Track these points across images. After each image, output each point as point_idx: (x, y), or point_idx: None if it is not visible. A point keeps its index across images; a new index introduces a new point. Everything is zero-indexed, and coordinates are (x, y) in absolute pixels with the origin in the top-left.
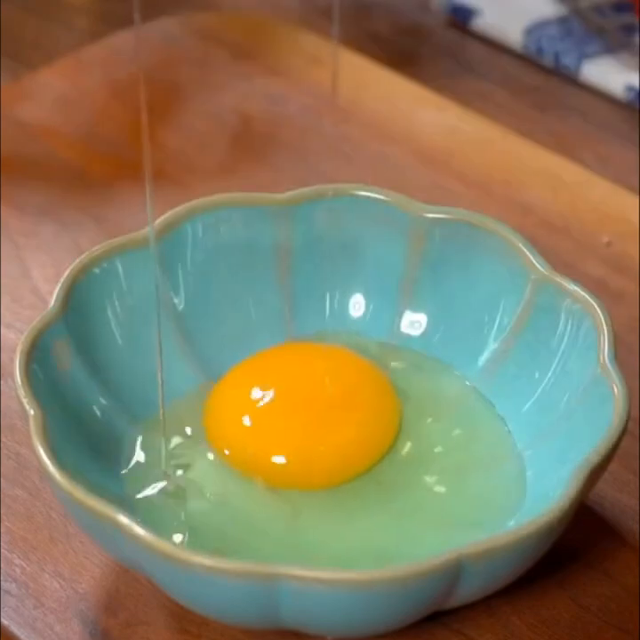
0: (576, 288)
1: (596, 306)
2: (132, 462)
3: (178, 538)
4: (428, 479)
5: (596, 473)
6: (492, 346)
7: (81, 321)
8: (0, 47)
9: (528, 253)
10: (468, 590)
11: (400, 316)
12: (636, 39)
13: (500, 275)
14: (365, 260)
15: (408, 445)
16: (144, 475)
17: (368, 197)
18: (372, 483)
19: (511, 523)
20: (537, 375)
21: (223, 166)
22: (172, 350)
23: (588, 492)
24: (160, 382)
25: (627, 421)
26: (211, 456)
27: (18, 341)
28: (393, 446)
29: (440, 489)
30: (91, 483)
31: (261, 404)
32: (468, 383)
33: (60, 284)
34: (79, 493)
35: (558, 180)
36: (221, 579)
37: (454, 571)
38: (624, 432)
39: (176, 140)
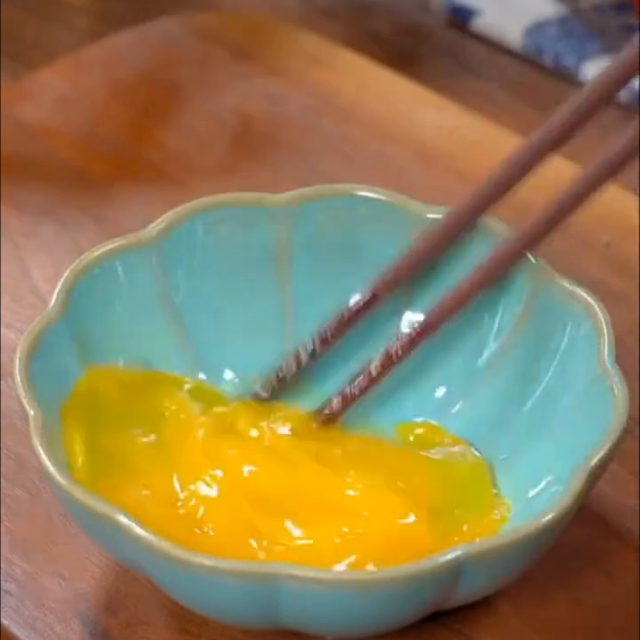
0: (576, 288)
1: (595, 306)
2: None
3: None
4: None
5: (596, 473)
6: (492, 346)
7: (81, 321)
8: (0, 47)
9: (528, 253)
10: (468, 590)
11: (400, 316)
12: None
13: (499, 275)
14: (365, 260)
15: None
16: None
17: (368, 197)
18: None
19: None
20: (537, 376)
21: (223, 166)
22: (171, 350)
23: (588, 492)
24: None
25: (627, 421)
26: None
27: (18, 341)
28: None
29: None
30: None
31: None
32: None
33: (59, 284)
34: (79, 493)
35: (558, 180)
36: (221, 579)
37: (454, 571)
38: (624, 432)
39: (176, 139)
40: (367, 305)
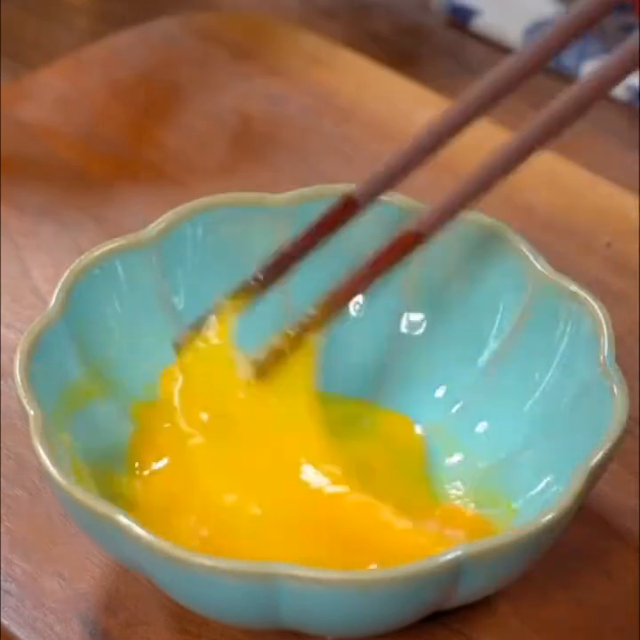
0: (576, 288)
1: (595, 306)
2: None
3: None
4: None
5: (596, 473)
6: (492, 346)
7: (81, 321)
8: (0, 47)
9: (528, 253)
10: (468, 590)
11: (400, 316)
12: None
13: (499, 275)
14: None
15: None
16: None
17: None
18: None
19: None
20: (537, 376)
21: (223, 166)
22: (171, 350)
23: (588, 492)
24: None
25: (627, 421)
26: None
27: (18, 341)
28: None
29: None
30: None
31: None
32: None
33: (59, 285)
34: (79, 493)
35: (558, 180)
36: (221, 579)
37: (454, 571)
38: (624, 432)
39: (176, 139)
40: (349, 210)
